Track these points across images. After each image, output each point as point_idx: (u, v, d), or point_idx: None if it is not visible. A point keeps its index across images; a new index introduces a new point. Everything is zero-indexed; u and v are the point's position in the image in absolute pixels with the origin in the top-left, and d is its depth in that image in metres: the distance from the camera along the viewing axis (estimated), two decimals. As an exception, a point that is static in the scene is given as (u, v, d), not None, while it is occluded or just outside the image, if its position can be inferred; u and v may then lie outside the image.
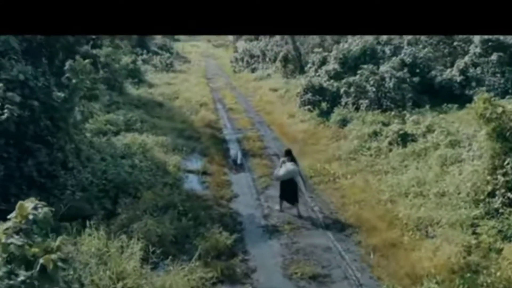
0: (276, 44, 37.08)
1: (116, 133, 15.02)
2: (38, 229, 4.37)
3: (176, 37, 78.16)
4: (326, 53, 22.11)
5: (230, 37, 64.57)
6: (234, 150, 15.92)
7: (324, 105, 18.69)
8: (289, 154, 10.72)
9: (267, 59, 37.06)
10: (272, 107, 22.34)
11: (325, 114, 18.10)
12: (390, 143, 13.41)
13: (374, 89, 17.01)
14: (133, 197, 9.84)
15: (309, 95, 18.56)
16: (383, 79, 17.08)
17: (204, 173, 12.83)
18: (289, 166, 10.28)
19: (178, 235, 8.45)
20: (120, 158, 12.20)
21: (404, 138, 13.34)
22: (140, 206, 9.14)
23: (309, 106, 18.58)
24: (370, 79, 17.15)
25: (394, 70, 17.22)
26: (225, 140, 17.23)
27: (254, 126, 19.25)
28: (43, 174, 9.98)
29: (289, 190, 10.23)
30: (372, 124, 15.04)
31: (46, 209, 4.24)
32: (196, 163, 13.82)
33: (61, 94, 9.20)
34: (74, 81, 9.15)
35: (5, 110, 8.36)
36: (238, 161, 14.68)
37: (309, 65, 23.20)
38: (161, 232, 8.20)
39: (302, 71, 26.63)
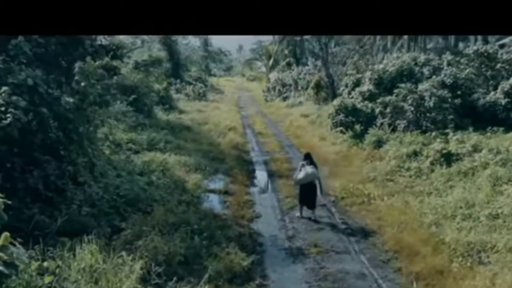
0: (308, 72, 36.56)
1: (138, 152, 14.43)
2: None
3: (212, 72, 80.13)
4: (360, 75, 21.10)
5: (264, 69, 64.96)
6: (260, 171, 14.92)
7: (357, 126, 17.55)
8: (308, 158, 10.67)
9: (299, 87, 36.47)
10: (302, 131, 21.37)
11: (359, 136, 16.95)
12: (432, 163, 12.08)
13: (412, 109, 15.76)
14: (143, 213, 8.95)
15: (341, 116, 17.47)
16: (422, 98, 15.83)
17: (226, 192, 11.89)
18: (308, 169, 10.19)
19: (188, 254, 7.42)
20: (137, 175, 11.47)
21: (448, 158, 11.99)
22: (149, 222, 8.22)
23: (341, 128, 17.46)
24: (408, 98, 15.94)
25: (434, 88, 15.95)
26: (251, 162, 16.30)
27: (282, 149, 18.29)
28: (51, 188, 9.28)
29: (309, 194, 10.14)
30: (411, 144, 13.74)
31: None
32: (218, 183, 12.91)
33: (70, 100, 8.57)
34: (83, 84, 8.53)
35: (8, 115, 7.79)
36: (263, 182, 13.64)
37: (342, 88, 22.20)
38: (168, 251, 7.20)
39: (335, 97, 25.68)
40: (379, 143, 15.39)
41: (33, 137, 8.82)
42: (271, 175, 14.26)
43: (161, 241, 7.32)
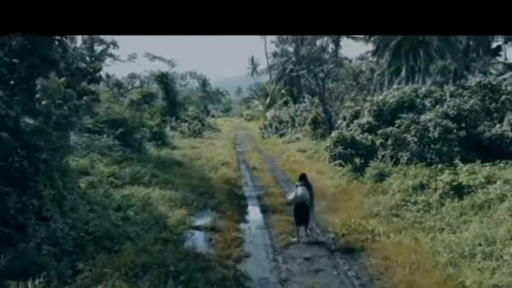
0: (305, 109, 35.92)
1: (119, 186, 13.25)
2: None
3: (211, 113, 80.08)
4: (358, 107, 20.24)
5: (261, 108, 64.62)
6: (253, 206, 13.69)
7: (357, 159, 16.48)
8: (303, 179, 10.64)
9: (296, 124, 35.71)
10: (299, 166, 20.23)
11: (359, 169, 15.82)
12: (441, 196, 10.90)
13: (416, 140, 14.73)
14: (110, 252, 7.69)
15: (339, 149, 16.41)
16: (426, 129, 14.83)
17: (213, 229, 10.62)
18: (299, 190, 10.24)
19: (157, 302, 6.14)
20: (113, 210, 10.26)
21: (459, 190, 10.83)
22: (114, 263, 6.95)
23: (340, 161, 16.36)
24: (411, 128, 14.95)
25: (439, 118, 14.99)
26: (243, 197, 15.06)
27: (278, 184, 17.09)
28: (10, 223, 8.11)
29: (301, 213, 10.16)
30: (417, 177, 12.61)
31: None
32: (205, 219, 11.65)
33: (31, 122, 7.51)
34: (44, 102, 7.50)
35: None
36: (255, 218, 12.40)
37: (339, 121, 21.28)
38: (133, 298, 5.93)
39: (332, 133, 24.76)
40: (381, 177, 14.24)
41: (-10, 166, 7.74)
42: (264, 210, 13.02)
43: (124, 286, 6.04)
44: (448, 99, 18.09)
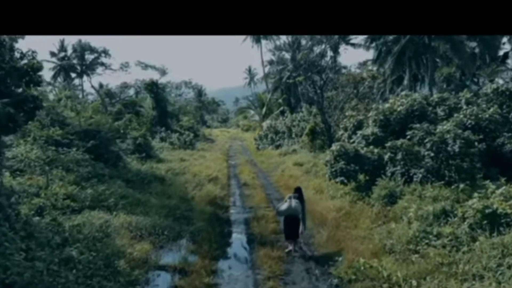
0: (302, 119, 33.81)
1: (76, 211, 10.96)
2: None
3: (208, 123, 78.03)
4: (361, 117, 18.05)
5: (257, 118, 62.51)
6: (238, 234, 11.42)
7: (362, 176, 14.25)
8: (298, 192, 10.54)
9: (293, 135, 33.57)
10: (295, 182, 17.92)
11: (364, 188, 13.59)
12: (471, 228, 8.65)
13: (432, 155, 12.50)
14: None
15: (341, 164, 14.15)
16: (443, 141, 12.61)
17: (182, 270, 8.31)
18: (293, 203, 9.99)
19: None
20: (53, 247, 7.96)
21: (494, 220, 8.58)
22: None
23: (342, 178, 14.09)
24: (426, 141, 12.73)
25: (459, 129, 12.80)
26: (228, 221, 12.77)
27: (270, 204, 14.78)
28: None
29: (291, 227, 9.86)
30: (437, 200, 10.38)
31: None
32: (175, 254, 9.34)
33: None
34: None
35: None
36: (239, 250, 10.14)
37: (340, 132, 19.05)
38: None
39: (332, 145, 22.48)
40: (391, 198, 12.00)
41: None
42: (251, 240, 10.74)
43: None
44: (464, 107, 15.92)
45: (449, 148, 12.36)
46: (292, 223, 9.85)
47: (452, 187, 11.52)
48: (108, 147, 18.37)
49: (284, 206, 10.08)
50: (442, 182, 11.97)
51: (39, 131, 16.82)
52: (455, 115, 14.48)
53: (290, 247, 9.73)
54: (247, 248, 10.19)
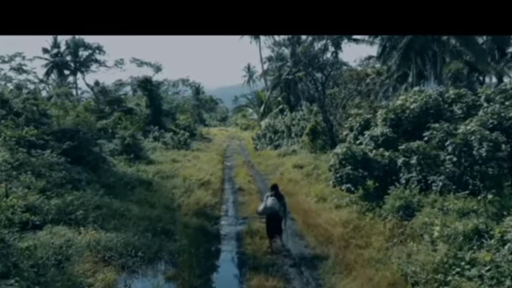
0: (303, 117, 32.07)
1: (37, 227, 9.24)
2: None
3: (206, 122, 76.23)
4: (369, 115, 16.30)
5: (255, 116, 60.77)
6: (228, 253, 9.70)
7: (371, 183, 12.54)
8: (274, 189, 10.65)
9: (293, 134, 31.81)
10: (295, 187, 16.27)
11: (374, 197, 11.88)
12: (514, 253, 6.94)
13: (455, 159, 10.78)
14: None
15: (348, 169, 12.43)
16: (467, 144, 10.87)
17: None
18: (269, 201, 10.17)
19: None
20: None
21: (543, 244, 6.88)
22: None
23: (348, 185, 12.36)
24: (448, 144, 11.01)
25: (486, 130, 11.07)
26: (217, 236, 11.04)
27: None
28: None
29: (274, 224, 10.03)
30: (465, 217, 8.67)
31: None
32: (147, 283, 7.61)
33: None
34: None
35: None
36: (227, 276, 8.40)
37: (345, 132, 17.29)
38: None
39: (334, 145, 20.70)
40: (407, 210, 10.29)
41: None
42: (243, 262, 9.01)
43: None
44: (485, 105, 14.17)
45: (474, 152, 10.63)
46: (272, 220, 10.07)
47: (479, 197, 9.84)
48: (88, 149, 16.62)
49: (261, 207, 10.40)
50: (467, 191, 10.27)
51: (10, 131, 15.08)
52: (479, 113, 12.69)
53: (274, 244, 9.92)
54: (237, 273, 8.45)
